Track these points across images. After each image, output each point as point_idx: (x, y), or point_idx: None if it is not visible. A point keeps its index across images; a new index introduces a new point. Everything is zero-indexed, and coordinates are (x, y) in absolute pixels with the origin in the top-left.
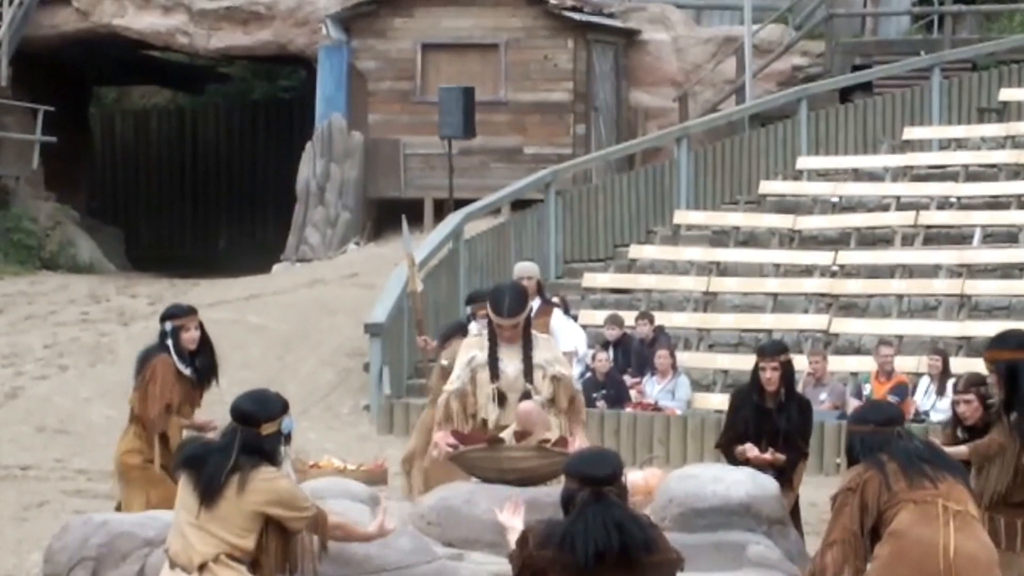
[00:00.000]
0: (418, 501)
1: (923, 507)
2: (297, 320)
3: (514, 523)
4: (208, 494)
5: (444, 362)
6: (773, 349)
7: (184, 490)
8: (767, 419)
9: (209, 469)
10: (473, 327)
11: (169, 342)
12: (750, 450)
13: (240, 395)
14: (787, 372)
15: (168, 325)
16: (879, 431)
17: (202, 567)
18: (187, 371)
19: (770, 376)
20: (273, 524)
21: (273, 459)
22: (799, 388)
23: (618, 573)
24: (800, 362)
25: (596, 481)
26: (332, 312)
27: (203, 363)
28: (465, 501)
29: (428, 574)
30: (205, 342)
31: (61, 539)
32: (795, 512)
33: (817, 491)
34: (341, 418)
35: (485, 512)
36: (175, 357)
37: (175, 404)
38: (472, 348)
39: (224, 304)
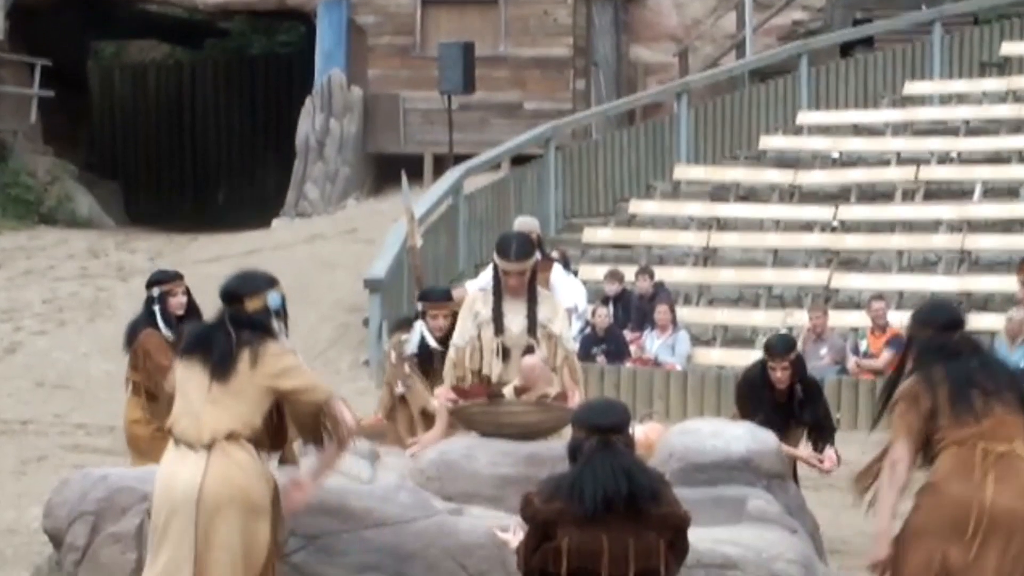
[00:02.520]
0: (417, 456)
1: (962, 453)
2: (296, 275)
3: (515, 543)
4: (222, 368)
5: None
6: (782, 348)
7: (190, 372)
8: (786, 412)
9: (218, 345)
10: (475, 284)
11: (156, 308)
12: (800, 451)
13: None
14: (797, 368)
15: (155, 291)
16: (940, 336)
17: (212, 444)
18: (172, 339)
19: (780, 376)
20: (277, 405)
21: (269, 333)
22: (799, 345)
23: (625, 522)
24: (800, 317)
25: (603, 430)
26: (331, 267)
27: None
28: (465, 456)
29: (427, 528)
30: (192, 308)
31: (60, 494)
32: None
33: None
34: (340, 373)
35: (485, 467)
36: (161, 323)
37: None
38: (477, 303)
39: (223, 259)
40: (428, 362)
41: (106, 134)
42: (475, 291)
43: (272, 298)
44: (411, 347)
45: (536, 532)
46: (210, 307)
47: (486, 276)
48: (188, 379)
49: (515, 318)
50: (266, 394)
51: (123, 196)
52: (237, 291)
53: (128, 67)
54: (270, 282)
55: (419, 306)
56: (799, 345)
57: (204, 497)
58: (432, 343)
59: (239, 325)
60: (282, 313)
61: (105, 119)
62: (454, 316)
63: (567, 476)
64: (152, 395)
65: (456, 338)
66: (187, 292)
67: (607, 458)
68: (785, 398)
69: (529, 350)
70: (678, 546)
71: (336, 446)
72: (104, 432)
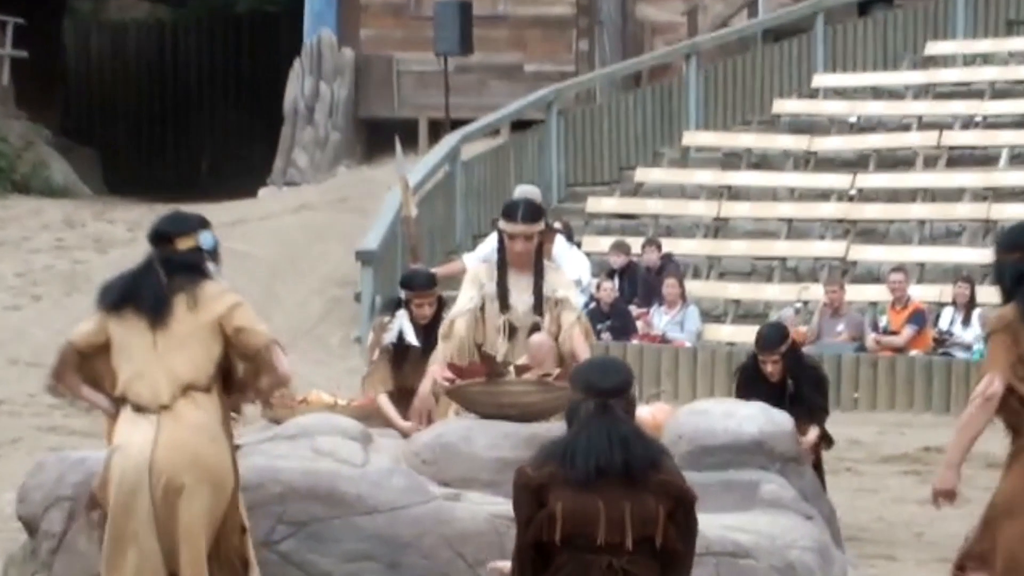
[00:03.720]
0: (412, 438)
1: None
2: (284, 247)
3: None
4: (158, 315)
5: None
6: (770, 342)
7: (125, 327)
8: (781, 400)
9: (146, 292)
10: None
11: None
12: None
13: None
14: (790, 360)
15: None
16: None
17: (169, 404)
18: None
19: (772, 370)
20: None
21: (203, 273)
22: (815, 320)
23: (621, 490)
24: (816, 291)
25: (602, 392)
26: (321, 239)
27: None
28: (462, 438)
29: (423, 515)
30: None
31: (36, 477)
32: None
33: (833, 428)
34: (331, 350)
35: (483, 449)
36: None
37: None
38: (482, 275)
39: None
40: (402, 358)
41: (83, 97)
42: (480, 262)
43: (204, 238)
44: (389, 337)
45: (530, 501)
46: None
47: (484, 248)
48: (126, 336)
49: (521, 296)
50: (214, 335)
51: (101, 163)
52: (167, 231)
53: (106, 26)
54: (202, 222)
55: (402, 294)
56: (815, 320)
57: (155, 469)
58: (411, 339)
59: (170, 267)
60: (215, 255)
61: (82, 81)
62: (440, 302)
63: (559, 443)
64: None
65: (455, 308)
66: None
67: (603, 424)
68: (779, 388)
69: (535, 328)
70: (681, 520)
71: (258, 394)
72: (81, 413)
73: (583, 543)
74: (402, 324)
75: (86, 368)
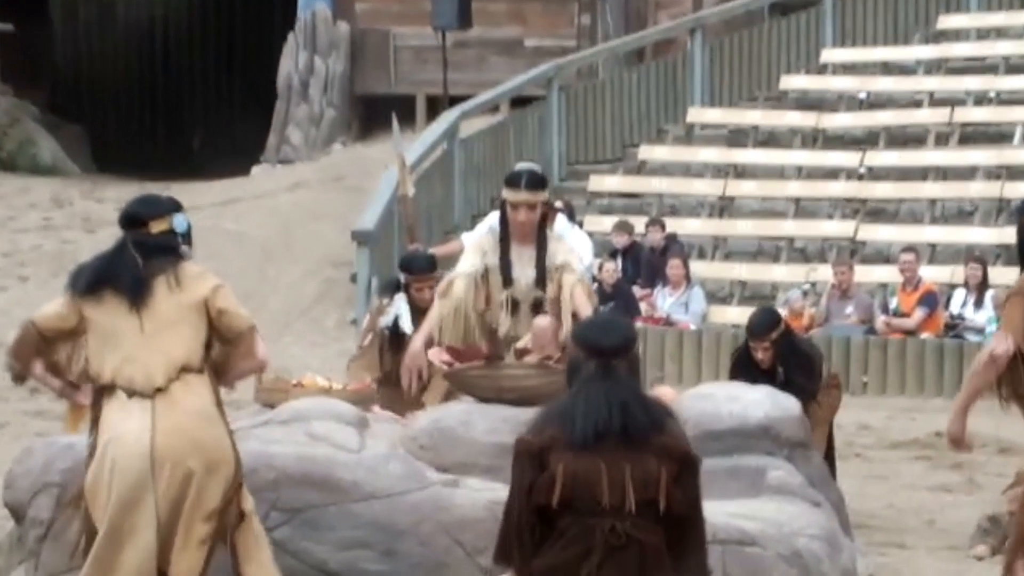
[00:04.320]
0: (411, 423)
1: None
2: (278, 227)
3: None
4: (139, 296)
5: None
6: (761, 328)
7: (104, 314)
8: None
9: (124, 274)
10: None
11: None
12: None
13: None
14: (782, 346)
15: None
16: None
17: (164, 387)
18: None
19: (763, 356)
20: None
21: (180, 256)
22: (823, 302)
23: (621, 452)
24: (824, 272)
25: (603, 352)
26: (316, 218)
27: None
28: (461, 423)
29: (421, 501)
30: None
31: (23, 464)
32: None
33: (842, 412)
34: (326, 333)
35: (483, 434)
36: None
37: None
38: (484, 246)
39: (198, 210)
40: (397, 344)
41: (71, 73)
42: (484, 232)
43: (178, 221)
44: (385, 321)
45: (532, 466)
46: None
47: (483, 228)
48: (106, 319)
49: (524, 270)
50: (200, 316)
51: (89, 140)
52: (139, 214)
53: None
54: (175, 205)
55: (401, 277)
56: (823, 302)
57: (157, 457)
58: (407, 327)
59: (145, 251)
60: (188, 239)
61: (69, 56)
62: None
63: (559, 406)
64: None
65: (456, 269)
66: None
67: (603, 387)
68: (770, 375)
69: (538, 306)
70: (686, 483)
71: (232, 378)
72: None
73: (586, 506)
74: (399, 308)
75: (46, 351)
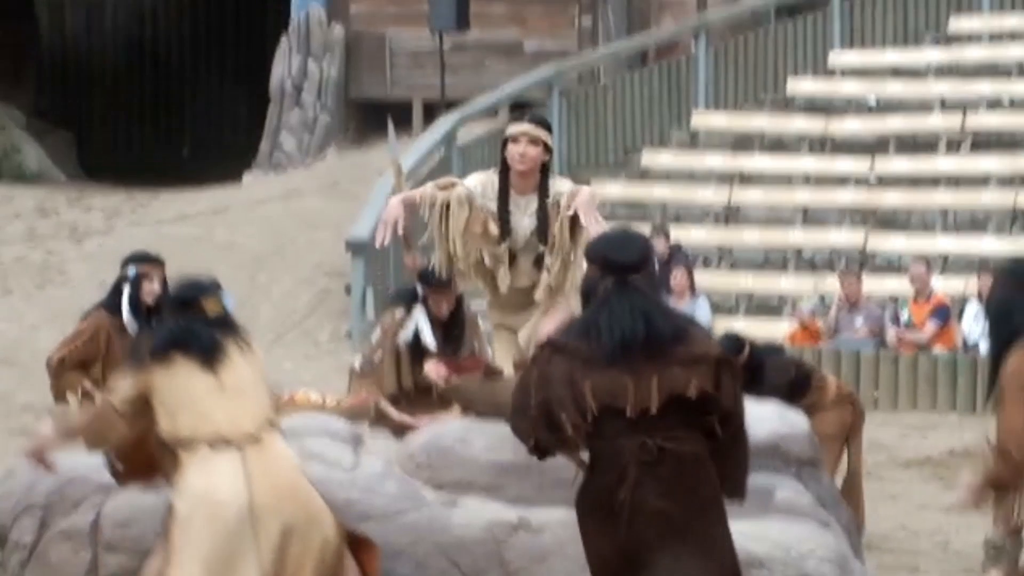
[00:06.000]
0: (406, 440)
1: None
2: (270, 236)
3: None
4: (214, 356)
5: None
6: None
7: (178, 377)
8: None
9: (193, 340)
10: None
11: (126, 288)
12: None
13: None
14: (747, 374)
15: (131, 270)
16: None
17: (253, 438)
18: (135, 327)
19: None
20: None
21: (240, 329)
22: (831, 314)
23: (646, 365)
24: (832, 283)
25: (620, 268)
26: (310, 227)
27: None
28: (459, 440)
29: (418, 522)
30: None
31: (5, 485)
32: None
33: None
34: (320, 346)
35: (481, 452)
36: (126, 309)
37: (73, 360)
38: (485, 185)
39: (188, 218)
40: (418, 357)
41: (57, 76)
42: (478, 174)
43: (228, 299)
44: (405, 335)
45: (562, 363)
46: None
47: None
48: (179, 383)
49: (522, 218)
50: (264, 382)
51: (76, 146)
52: (190, 296)
53: (82, 1)
54: (217, 284)
55: (419, 288)
56: (832, 314)
57: (257, 510)
58: (428, 340)
59: (209, 324)
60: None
61: (56, 59)
62: (459, 301)
63: (578, 322)
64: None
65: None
66: (164, 283)
67: (623, 300)
68: None
69: (540, 260)
70: (725, 386)
71: None
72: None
73: (613, 423)
74: (419, 321)
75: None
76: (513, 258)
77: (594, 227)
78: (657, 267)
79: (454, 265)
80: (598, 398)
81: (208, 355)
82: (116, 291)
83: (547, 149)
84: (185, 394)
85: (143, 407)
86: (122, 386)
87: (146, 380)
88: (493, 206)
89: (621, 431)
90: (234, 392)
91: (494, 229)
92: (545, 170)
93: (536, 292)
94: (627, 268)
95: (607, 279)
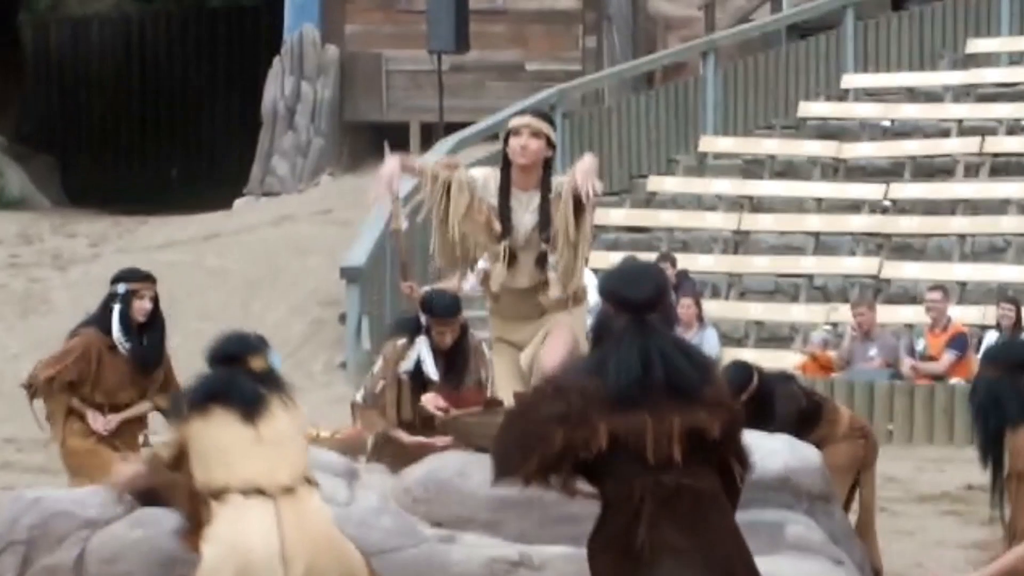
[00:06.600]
0: (402, 474)
1: None
2: (263, 263)
3: None
4: (255, 409)
5: (377, 366)
6: (734, 387)
7: (215, 428)
8: None
9: (235, 392)
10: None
11: (116, 307)
12: None
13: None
14: (752, 408)
15: (121, 287)
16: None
17: (289, 488)
18: (126, 346)
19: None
20: None
21: (286, 387)
22: (845, 344)
23: (666, 407)
24: (846, 312)
25: (635, 306)
26: (303, 254)
27: (151, 340)
28: (457, 474)
29: (415, 559)
30: (157, 317)
31: None
32: None
33: None
34: (313, 377)
35: (480, 487)
36: (116, 327)
37: (63, 380)
38: (490, 180)
39: (178, 245)
40: (419, 388)
41: (41, 99)
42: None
43: (275, 358)
44: (407, 365)
45: (571, 402)
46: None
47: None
48: (216, 433)
49: (524, 214)
50: (303, 438)
51: (61, 171)
52: (236, 352)
53: (67, 20)
54: (264, 341)
55: (422, 318)
56: (845, 345)
57: (289, 558)
58: (430, 371)
59: (253, 379)
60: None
61: (40, 82)
62: (463, 330)
63: (592, 362)
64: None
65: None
66: (155, 300)
67: (637, 339)
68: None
69: (542, 259)
70: (735, 435)
71: None
72: (37, 447)
73: (628, 464)
74: (421, 352)
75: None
76: (514, 257)
77: (587, 186)
78: None
79: (452, 252)
80: (613, 438)
81: (249, 407)
82: (106, 309)
83: (550, 144)
84: (220, 444)
85: (184, 458)
86: (167, 440)
87: (184, 432)
88: (494, 201)
89: (636, 471)
90: (272, 444)
91: (496, 225)
92: (548, 166)
93: (541, 295)
94: (642, 306)
95: (621, 317)
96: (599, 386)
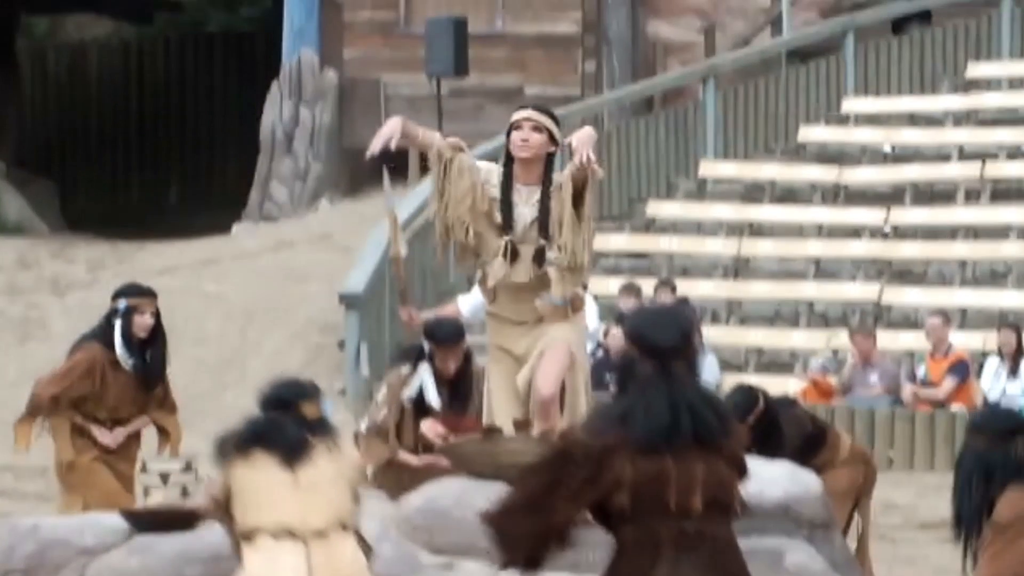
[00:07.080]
0: (402, 501)
1: None
2: (261, 289)
3: None
4: (296, 454)
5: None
6: (738, 412)
7: (255, 471)
8: None
9: (278, 436)
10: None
11: (117, 323)
12: None
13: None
14: (758, 432)
15: (122, 303)
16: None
17: (322, 533)
18: (129, 362)
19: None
20: None
21: (337, 435)
22: (845, 371)
23: (692, 456)
24: (846, 338)
25: (660, 352)
26: (302, 280)
27: (154, 356)
28: (456, 502)
29: None
30: (159, 333)
31: None
32: None
33: None
34: None
35: (479, 514)
36: (119, 343)
37: (68, 397)
38: (493, 174)
39: (176, 270)
40: (421, 415)
41: (39, 124)
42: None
43: (327, 405)
44: (409, 392)
45: (586, 466)
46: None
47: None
48: (255, 476)
49: (524, 209)
50: (348, 485)
51: (59, 196)
52: (288, 397)
53: (65, 46)
54: (316, 388)
55: (425, 345)
56: (846, 371)
57: None
58: (432, 399)
59: (303, 426)
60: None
61: (38, 107)
62: (467, 357)
63: (616, 409)
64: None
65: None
66: (157, 315)
67: (663, 390)
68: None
69: (541, 255)
70: (740, 488)
71: None
72: (35, 475)
73: (650, 512)
74: (423, 379)
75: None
76: (515, 252)
77: (584, 154)
78: None
79: (452, 237)
80: (635, 486)
81: (290, 452)
82: (108, 324)
83: (552, 139)
84: (256, 487)
85: (229, 500)
86: (218, 483)
87: (227, 474)
88: (496, 193)
89: (658, 518)
90: (308, 488)
91: (497, 216)
92: (550, 162)
93: (539, 295)
94: (668, 353)
95: (646, 363)
96: (626, 436)
